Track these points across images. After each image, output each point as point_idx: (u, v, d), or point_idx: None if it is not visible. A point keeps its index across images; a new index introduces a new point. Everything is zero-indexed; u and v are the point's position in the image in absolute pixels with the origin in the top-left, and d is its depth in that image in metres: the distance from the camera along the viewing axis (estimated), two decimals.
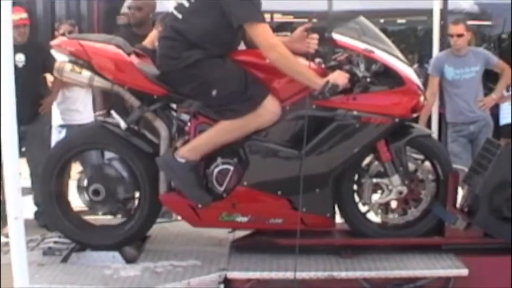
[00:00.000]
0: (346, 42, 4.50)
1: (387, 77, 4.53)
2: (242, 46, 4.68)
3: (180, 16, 4.43)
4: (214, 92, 4.36)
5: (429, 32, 8.21)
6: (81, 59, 4.48)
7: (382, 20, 12.61)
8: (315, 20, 11.84)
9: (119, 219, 4.91)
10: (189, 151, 4.42)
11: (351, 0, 10.65)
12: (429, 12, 7.49)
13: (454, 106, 7.33)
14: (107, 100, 6.62)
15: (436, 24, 7.21)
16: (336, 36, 4.49)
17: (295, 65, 4.36)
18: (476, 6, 11.84)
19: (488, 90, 7.61)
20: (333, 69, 4.50)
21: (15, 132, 3.49)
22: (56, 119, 7.67)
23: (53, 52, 4.94)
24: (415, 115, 4.68)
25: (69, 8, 11.55)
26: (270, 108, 4.39)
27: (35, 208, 7.26)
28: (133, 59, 4.53)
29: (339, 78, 4.34)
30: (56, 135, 7.58)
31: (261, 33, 4.31)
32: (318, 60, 4.59)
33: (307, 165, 4.40)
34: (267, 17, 11.60)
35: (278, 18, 12.91)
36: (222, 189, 4.47)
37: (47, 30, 10.57)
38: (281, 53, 4.31)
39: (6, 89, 3.44)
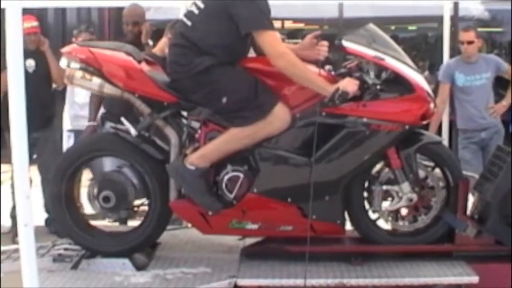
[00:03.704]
0: (356, 50, 4.50)
1: (397, 84, 4.52)
2: (252, 53, 4.69)
3: (189, 23, 4.44)
4: (224, 99, 4.36)
5: (440, 39, 8.20)
6: (91, 66, 4.49)
7: (392, 27, 12.59)
8: (325, 27, 11.85)
9: (129, 226, 4.91)
10: (199, 158, 4.42)
11: (362, 8, 10.64)
12: (440, 19, 7.48)
13: (465, 113, 7.30)
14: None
15: (446, 31, 7.19)
16: (346, 43, 4.49)
17: (304, 73, 4.35)
18: (486, 12, 11.81)
19: (499, 96, 7.58)
20: (343, 76, 4.50)
21: (25, 138, 3.48)
22: (66, 123, 7.73)
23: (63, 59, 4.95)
24: (425, 122, 4.67)
25: (80, 16, 11.58)
26: (280, 116, 4.39)
27: (46, 215, 7.27)
28: (144, 66, 4.54)
29: (349, 85, 4.33)
30: (66, 140, 7.62)
31: (269, 41, 4.31)
32: (328, 67, 4.60)
33: (317, 172, 4.40)
34: (278, 24, 11.71)
35: (289, 25, 12.91)
36: (232, 196, 4.48)
37: (58, 38, 10.60)
38: (289, 60, 4.30)
39: (16, 94, 3.43)
